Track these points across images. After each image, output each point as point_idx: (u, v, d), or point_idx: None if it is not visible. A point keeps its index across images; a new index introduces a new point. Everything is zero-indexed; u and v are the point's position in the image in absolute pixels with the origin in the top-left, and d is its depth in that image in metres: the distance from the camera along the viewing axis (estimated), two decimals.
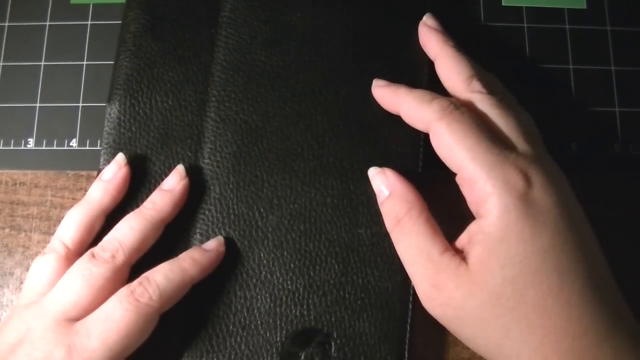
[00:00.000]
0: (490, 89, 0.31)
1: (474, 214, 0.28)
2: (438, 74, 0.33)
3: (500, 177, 0.27)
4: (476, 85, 0.30)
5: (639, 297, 0.34)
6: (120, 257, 0.29)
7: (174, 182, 0.32)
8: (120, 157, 0.33)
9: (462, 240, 0.29)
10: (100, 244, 0.30)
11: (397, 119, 0.33)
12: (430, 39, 0.33)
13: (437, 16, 0.35)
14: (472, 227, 0.28)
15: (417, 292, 0.29)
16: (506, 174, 0.27)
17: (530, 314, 0.26)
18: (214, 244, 0.32)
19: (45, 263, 0.30)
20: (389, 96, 0.32)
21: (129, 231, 0.30)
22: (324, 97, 0.34)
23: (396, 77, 0.34)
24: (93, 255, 0.29)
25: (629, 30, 0.40)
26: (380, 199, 0.31)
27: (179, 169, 0.33)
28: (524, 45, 0.39)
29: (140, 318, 0.28)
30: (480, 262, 0.27)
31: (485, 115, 0.30)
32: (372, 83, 0.34)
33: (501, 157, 0.27)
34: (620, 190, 0.37)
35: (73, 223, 0.31)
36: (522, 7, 0.40)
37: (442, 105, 0.29)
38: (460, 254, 0.28)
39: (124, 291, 0.28)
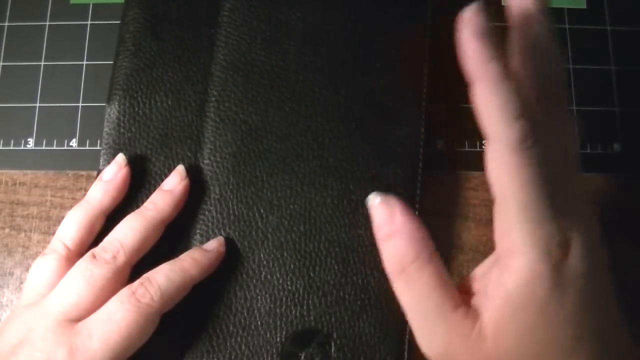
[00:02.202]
0: (535, 136, 0.24)
1: (497, 253, 0.26)
2: (474, 103, 0.26)
3: (539, 240, 0.24)
4: (515, 133, 0.24)
5: (639, 297, 0.34)
6: (121, 258, 0.29)
7: (175, 182, 0.32)
8: (121, 158, 0.33)
9: (477, 282, 0.27)
10: (101, 244, 0.30)
11: (397, 119, 0.33)
12: (472, 52, 0.25)
13: (437, 16, 0.35)
14: (492, 276, 0.26)
15: (422, 349, 0.26)
16: (546, 237, 0.24)
17: None
18: (214, 245, 0.32)
19: (45, 264, 0.30)
20: (473, 59, 0.25)
21: (130, 231, 0.30)
22: (324, 97, 0.34)
23: (396, 77, 0.34)
24: (94, 256, 0.29)
25: (629, 30, 0.40)
26: (379, 233, 0.28)
27: (179, 170, 0.33)
28: None
29: (142, 318, 0.28)
30: (496, 325, 0.25)
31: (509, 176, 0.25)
32: (372, 83, 0.34)
33: (550, 215, 0.24)
34: (620, 190, 0.37)
35: (73, 223, 0.31)
36: None
37: (525, 133, 0.24)
38: (473, 306, 0.26)
39: (125, 292, 0.28)
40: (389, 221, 0.27)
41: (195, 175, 0.33)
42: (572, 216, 0.25)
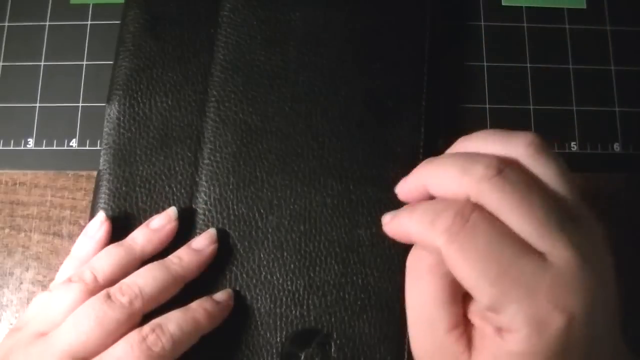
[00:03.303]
0: (499, 165, 0.23)
1: (491, 322, 0.24)
2: (434, 194, 0.25)
3: (532, 314, 0.22)
4: (476, 170, 0.23)
5: (639, 297, 0.34)
6: (138, 305, 0.28)
7: (205, 243, 0.32)
8: (172, 211, 0.32)
9: (477, 321, 0.25)
10: (119, 285, 0.29)
11: (396, 120, 0.34)
12: (403, 190, 0.27)
13: (436, 16, 0.35)
14: (489, 330, 0.24)
15: (412, 351, 0.26)
16: (539, 310, 0.22)
17: None
18: (224, 296, 0.31)
19: (69, 292, 0.29)
20: (397, 231, 0.26)
21: (152, 281, 0.29)
22: (324, 97, 0.34)
23: (396, 77, 0.34)
24: (109, 296, 0.28)
25: (629, 30, 0.40)
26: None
27: (211, 232, 0.32)
28: (524, 45, 0.39)
29: None
30: None
31: (500, 211, 0.23)
32: (372, 83, 0.34)
33: (533, 286, 0.22)
34: (620, 190, 0.37)
35: (111, 260, 0.30)
36: (522, 7, 0.40)
37: (446, 223, 0.23)
38: (468, 333, 0.24)
39: (135, 337, 0.27)
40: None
41: (194, 176, 0.33)
42: (563, 274, 0.22)
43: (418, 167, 0.26)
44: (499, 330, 0.23)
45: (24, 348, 0.27)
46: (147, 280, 0.29)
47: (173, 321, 0.28)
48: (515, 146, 0.24)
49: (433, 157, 0.26)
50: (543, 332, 0.22)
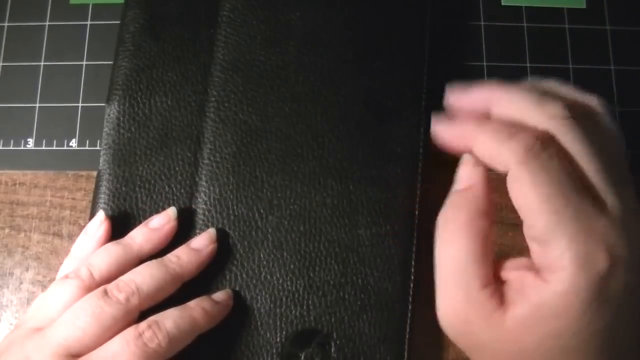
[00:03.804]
0: (573, 109, 0.25)
1: (536, 264, 0.25)
2: (498, 119, 0.27)
3: (581, 252, 0.23)
4: (552, 107, 0.25)
5: None
6: (134, 302, 0.28)
7: (204, 243, 0.32)
8: (172, 211, 0.32)
9: (513, 272, 0.26)
10: (116, 282, 0.29)
11: (396, 120, 0.33)
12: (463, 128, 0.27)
13: (437, 17, 0.35)
14: (529, 278, 0.25)
15: (437, 308, 0.27)
16: (589, 249, 0.23)
17: None
18: (223, 297, 0.31)
19: (66, 288, 0.29)
20: (456, 133, 0.28)
21: (149, 278, 0.29)
22: (324, 97, 0.34)
23: (396, 77, 0.34)
24: (106, 293, 0.28)
25: (629, 29, 0.40)
26: (457, 186, 0.28)
27: (211, 232, 0.32)
28: (523, 45, 0.39)
29: None
30: (522, 322, 0.24)
31: (572, 152, 0.25)
32: (372, 83, 0.34)
33: (588, 227, 0.23)
34: None
35: (108, 258, 0.30)
36: (521, 6, 0.40)
37: (526, 144, 0.24)
38: (502, 291, 0.25)
39: (131, 332, 0.27)
40: (467, 178, 0.28)
41: (194, 176, 0.33)
42: (613, 221, 0.24)
43: (485, 85, 0.27)
44: (541, 273, 0.24)
45: (21, 342, 0.28)
46: (144, 277, 0.29)
47: (170, 318, 0.28)
48: (590, 101, 0.27)
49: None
50: (588, 271, 0.23)
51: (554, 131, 0.25)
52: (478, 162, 0.27)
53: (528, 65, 0.39)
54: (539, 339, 0.24)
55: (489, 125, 0.26)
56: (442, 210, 0.27)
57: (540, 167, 0.24)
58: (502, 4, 0.40)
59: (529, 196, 0.24)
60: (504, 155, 0.25)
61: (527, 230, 0.25)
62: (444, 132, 0.28)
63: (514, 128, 0.25)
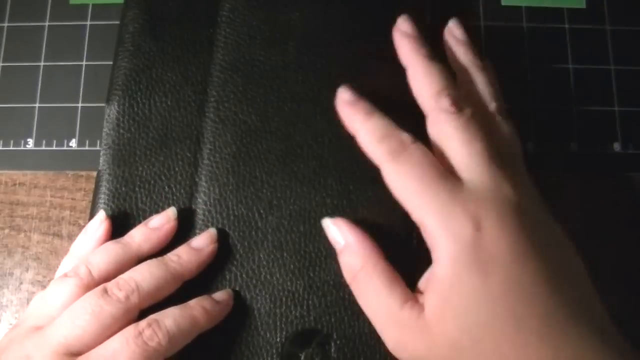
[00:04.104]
0: (461, 105, 0.29)
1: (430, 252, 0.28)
2: (410, 86, 0.31)
3: (446, 224, 0.26)
4: (444, 102, 0.29)
5: (638, 297, 0.34)
6: (134, 300, 0.28)
7: (205, 242, 0.31)
8: (172, 211, 0.32)
9: (422, 283, 0.29)
10: (116, 280, 0.29)
11: (396, 120, 0.33)
12: (403, 46, 0.32)
13: (439, 16, 0.35)
14: (430, 270, 0.28)
15: (386, 345, 0.29)
16: (453, 219, 0.26)
17: None
18: (224, 296, 0.31)
19: (64, 287, 0.29)
20: (347, 119, 0.31)
21: (149, 277, 0.29)
22: (324, 97, 0.34)
23: (395, 78, 0.34)
24: (105, 291, 0.28)
25: (629, 29, 0.40)
26: (337, 250, 0.31)
27: (211, 232, 0.32)
28: (523, 45, 0.39)
29: None
30: (435, 313, 0.26)
31: (448, 140, 0.29)
32: (372, 83, 0.34)
33: (449, 201, 0.26)
34: (620, 190, 0.37)
35: (107, 257, 0.30)
36: (521, 6, 0.40)
37: (390, 147, 0.28)
38: (420, 301, 0.27)
39: (131, 331, 0.27)
40: (339, 237, 0.31)
41: (194, 176, 0.33)
42: (476, 193, 0.27)
43: (417, 48, 0.32)
44: (432, 251, 0.27)
45: (20, 341, 0.28)
46: (144, 275, 0.29)
47: (170, 317, 0.28)
48: (489, 104, 0.31)
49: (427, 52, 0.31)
50: (458, 238, 0.26)
51: (438, 121, 0.29)
52: (335, 221, 0.31)
53: (528, 65, 0.39)
54: (456, 324, 0.26)
55: (369, 123, 0.30)
56: (343, 272, 0.30)
57: (401, 163, 0.28)
58: (502, 4, 0.40)
59: (398, 187, 0.28)
60: (376, 154, 0.29)
61: (415, 219, 0.28)
62: (341, 110, 0.31)
63: (386, 130, 0.29)
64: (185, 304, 0.29)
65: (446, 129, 0.29)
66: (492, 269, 0.25)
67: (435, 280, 0.27)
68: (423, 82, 0.31)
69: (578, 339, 0.25)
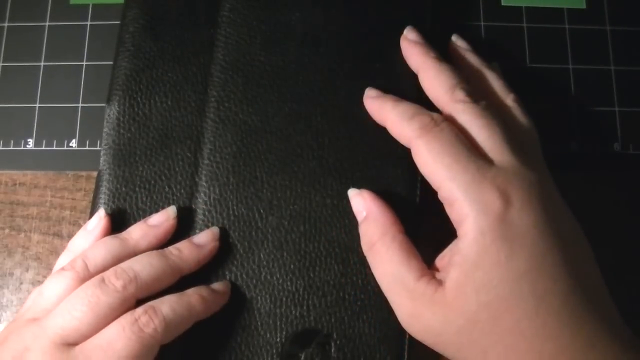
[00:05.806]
0: (476, 96, 0.30)
1: (455, 227, 0.28)
2: (423, 88, 0.32)
3: (476, 197, 0.27)
4: (459, 94, 0.30)
5: (638, 296, 0.34)
6: (132, 289, 0.28)
7: (206, 240, 0.32)
8: (171, 210, 0.32)
9: (443, 259, 0.29)
10: (114, 269, 0.29)
11: None
12: (412, 52, 0.33)
13: (436, 16, 0.35)
14: (452, 247, 0.28)
15: (397, 316, 0.29)
16: (483, 194, 0.27)
17: (506, 337, 0.25)
18: (221, 286, 0.31)
19: (61, 280, 0.29)
20: (376, 110, 0.32)
21: (148, 267, 0.29)
22: (324, 98, 0.34)
23: (395, 78, 0.34)
24: (103, 280, 0.28)
25: (629, 30, 0.40)
26: (359, 220, 0.31)
27: (214, 230, 0.32)
28: (523, 45, 0.39)
29: (143, 349, 0.27)
30: (457, 287, 0.27)
31: (468, 127, 0.29)
32: (372, 83, 0.34)
33: (478, 176, 0.27)
34: (620, 190, 0.37)
35: (105, 252, 0.30)
36: (521, 7, 0.40)
37: (422, 123, 0.29)
38: (438, 277, 0.28)
39: (127, 318, 0.27)
40: (362, 207, 0.31)
41: (194, 176, 0.33)
42: (505, 170, 0.27)
43: (426, 52, 0.33)
44: (459, 225, 0.27)
45: (19, 332, 0.28)
46: (143, 265, 0.29)
47: (166, 304, 0.28)
48: (506, 97, 0.32)
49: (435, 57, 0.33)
50: (487, 213, 0.26)
51: (455, 111, 0.30)
52: (360, 192, 0.31)
53: (528, 65, 0.39)
54: (477, 298, 0.26)
55: (400, 106, 0.31)
56: (361, 242, 0.31)
57: (432, 138, 0.28)
58: (502, 4, 0.40)
59: (428, 163, 0.28)
60: (406, 131, 0.30)
61: (440, 197, 0.28)
62: (370, 103, 0.33)
63: (417, 110, 0.30)
64: (182, 292, 0.30)
65: (463, 117, 0.29)
66: (518, 246, 0.26)
67: (460, 254, 0.27)
68: (436, 80, 0.31)
69: (593, 325, 0.25)
